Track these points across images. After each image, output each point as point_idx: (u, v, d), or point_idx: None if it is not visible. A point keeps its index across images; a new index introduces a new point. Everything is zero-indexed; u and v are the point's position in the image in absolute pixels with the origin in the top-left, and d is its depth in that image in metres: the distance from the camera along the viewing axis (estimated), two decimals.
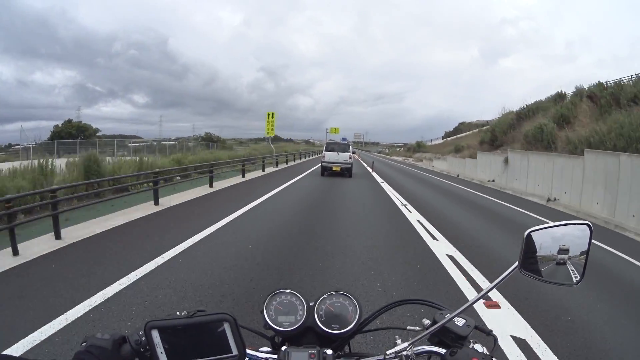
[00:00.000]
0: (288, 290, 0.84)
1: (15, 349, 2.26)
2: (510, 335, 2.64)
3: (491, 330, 0.78)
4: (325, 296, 0.84)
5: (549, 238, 0.69)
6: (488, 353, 0.72)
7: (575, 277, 0.69)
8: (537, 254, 0.69)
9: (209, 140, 39.94)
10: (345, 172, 14.78)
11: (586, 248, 0.69)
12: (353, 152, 15.67)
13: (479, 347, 0.74)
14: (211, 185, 10.45)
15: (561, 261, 0.69)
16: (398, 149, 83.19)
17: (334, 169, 14.74)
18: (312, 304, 0.83)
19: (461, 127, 51.85)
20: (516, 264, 0.70)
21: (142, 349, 0.64)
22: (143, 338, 0.63)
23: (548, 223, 0.69)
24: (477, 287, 3.49)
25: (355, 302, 0.83)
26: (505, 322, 2.86)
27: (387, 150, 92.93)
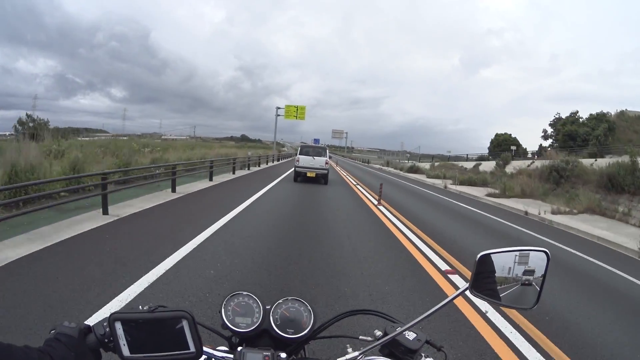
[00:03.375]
0: (245, 293, 0.87)
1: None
2: None
3: (442, 346, 0.81)
4: (281, 301, 0.87)
5: (509, 260, 0.72)
6: None
7: (534, 300, 0.72)
8: (499, 275, 0.72)
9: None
10: (321, 178, 14.03)
11: (543, 273, 0.72)
12: (329, 157, 15.06)
13: None
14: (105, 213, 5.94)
15: (526, 282, 0.72)
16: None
17: (308, 174, 13.87)
18: (268, 307, 0.86)
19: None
20: (467, 285, 0.73)
21: (106, 340, 0.66)
22: (107, 329, 0.66)
23: (504, 248, 0.73)
24: None
25: (309, 308, 0.86)
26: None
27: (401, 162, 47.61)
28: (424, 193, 15.19)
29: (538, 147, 42.12)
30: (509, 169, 22.99)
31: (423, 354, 0.78)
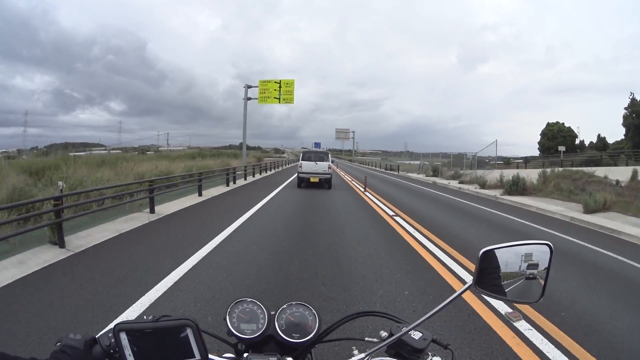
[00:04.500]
0: (250, 299, 0.88)
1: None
2: None
3: (448, 344, 0.81)
4: (285, 306, 0.88)
5: (512, 255, 0.72)
6: None
7: (538, 294, 0.72)
8: (504, 270, 0.72)
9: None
10: (325, 183, 14.10)
11: (547, 266, 0.72)
12: (332, 162, 15.07)
13: None
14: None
15: (531, 276, 0.72)
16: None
17: (311, 180, 13.95)
18: (273, 312, 0.87)
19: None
20: (471, 281, 0.73)
21: (111, 351, 0.68)
22: (112, 340, 0.67)
23: (506, 243, 0.73)
24: None
25: (314, 312, 0.87)
26: None
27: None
28: None
29: (597, 138, 36.25)
30: None
31: (430, 353, 0.78)
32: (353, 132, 67.44)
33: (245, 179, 17.32)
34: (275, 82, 22.93)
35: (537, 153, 39.00)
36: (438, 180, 21.36)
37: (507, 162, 32.37)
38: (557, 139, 35.19)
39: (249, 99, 23.39)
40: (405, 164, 42.10)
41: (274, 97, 22.88)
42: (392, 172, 34.84)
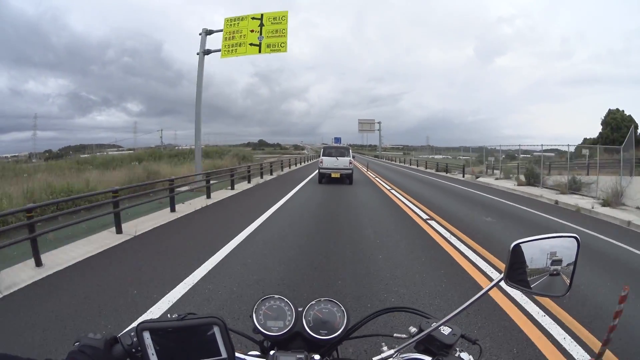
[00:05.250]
0: (277, 296, 0.88)
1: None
2: None
3: (477, 339, 0.80)
4: (313, 302, 0.87)
5: (537, 250, 0.73)
6: None
7: (565, 288, 0.72)
8: (529, 266, 0.72)
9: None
10: (346, 178, 14.12)
11: (574, 259, 0.72)
12: (353, 157, 14.88)
13: (465, 356, 0.77)
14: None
15: (554, 272, 0.72)
16: None
17: (332, 175, 14.02)
18: (300, 309, 0.87)
19: None
20: (502, 275, 0.73)
21: (133, 350, 0.67)
22: (135, 339, 0.66)
23: (535, 236, 0.72)
24: None
25: (342, 309, 0.86)
26: None
27: None
28: None
29: None
30: None
31: (458, 349, 0.77)
32: (379, 123, 57.08)
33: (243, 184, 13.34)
34: (253, 18, 13.44)
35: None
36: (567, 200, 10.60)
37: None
38: (621, 130, 30.17)
39: (209, 52, 13.96)
40: (428, 158, 37.02)
41: (250, 45, 13.32)
42: (440, 173, 23.90)
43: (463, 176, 20.77)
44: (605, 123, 34.05)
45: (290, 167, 25.65)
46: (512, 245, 0.71)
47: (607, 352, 2.38)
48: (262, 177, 16.53)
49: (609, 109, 34.33)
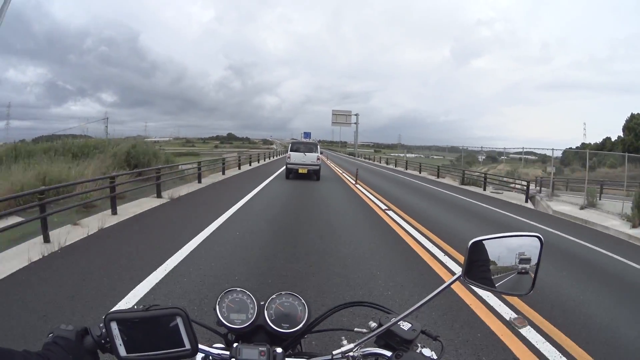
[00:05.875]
0: (239, 289, 0.88)
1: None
2: None
3: (438, 335, 0.81)
4: (274, 296, 0.88)
5: (504, 248, 0.72)
6: (435, 357, 0.76)
7: (529, 286, 0.72)
8: (498, 264, 0.71)
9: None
10: (313, 174, 13.91)
11: (537, 258, 0.71)
12: (320, 153, 14.72)
13: (426, 352, 0.76)
14: None
15: (523, 270, 0.72)
16: None
17: (300, 171, 13.77)
18: (262, 303, 0.87)
19: None
20: (460, 272, 0.72)
21: (102, 341, 0.68)
22: (103, 330, 0.67)
23: (496, 234, 0.72)
24: None
25: (304, 302, 0.87)
26: None
27: None
28: None
29: None
30: None
31: (419, 344, 0.78)
32: (356, 115, 49.14)
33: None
34: None
35: (528, 148, 28.76)
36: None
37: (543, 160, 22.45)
38: None
39: None
40: (401, 157, 33.34)
41: None
42: (465, 187, 15.66)
43: (484, 190, 14.40)
44: (627, 129, 30.43)
45: (250, 165, 21.32)
46: (470, 242, 0.71)
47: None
48: (199, 181, 11.55)
49: (632, 114, 30.70)
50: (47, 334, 0.67)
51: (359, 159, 45.68)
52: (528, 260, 0.71)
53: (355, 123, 49.97)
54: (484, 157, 19.96)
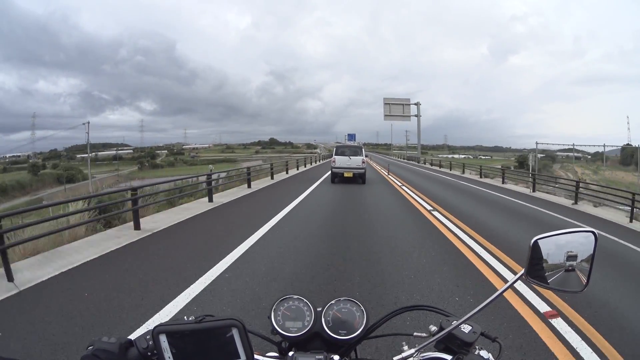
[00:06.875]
0: (296, 296, 0.87)
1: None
2: None
3: (497, 337, 0.79)
4: (332, 302, 0.87)
5: (553, 245, 0.73)
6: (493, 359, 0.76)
7: (582, 283, 0.72)
8: (545, 262, 0.72)
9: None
10: (359, 178, 13.82)
11: (591, 254, 0.72)
12: (365, 156, 14.47)
13: (484, 354, 0.76)
14: None
15: (570, 268, 0.72)
16: None
17: (345, 175, 13.71)
18: (319, 309, 0.86)
19: None
20: (522, 271, 0.73)
21: (149, 353, 0.66)
22: (150, 342, 0.65)
23: (554, 231, 0.72)
24: None
25: (362, 308, 0.85)
26: None
27: None
28: None
29: None
30: None
31: (477, 346, 0.76)
32: (417, 104, 39.51)
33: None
34: None
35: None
36: None
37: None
38: None
39: None
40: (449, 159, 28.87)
41: None
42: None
43: (575, 203, 10.71)
44: None
45: (287, 172, 18.45)
46: (532, 241, 0.71)
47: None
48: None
49: None
50: (86, 346, 0.64)
51: (425, 165, 33.56)
52: (575, 257, 0.71)
53: (416, 115, 39.39)
54: (542, 156, 16.41)
